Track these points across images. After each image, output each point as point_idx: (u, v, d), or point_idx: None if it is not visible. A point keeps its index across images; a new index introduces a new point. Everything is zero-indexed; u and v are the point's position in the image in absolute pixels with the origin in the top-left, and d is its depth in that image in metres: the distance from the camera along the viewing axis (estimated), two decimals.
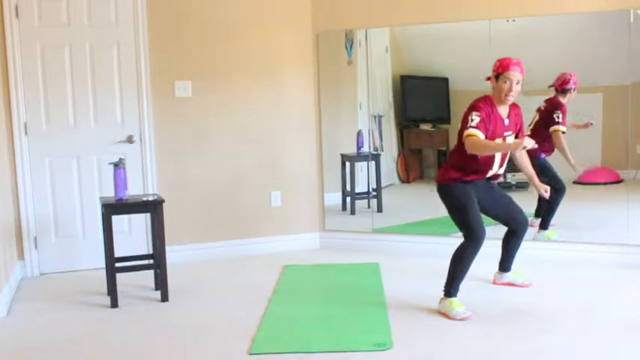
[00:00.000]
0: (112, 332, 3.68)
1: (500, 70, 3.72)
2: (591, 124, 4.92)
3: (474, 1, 4.94)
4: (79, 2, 4.85)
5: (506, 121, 3.79)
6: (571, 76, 4.82)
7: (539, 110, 4.93)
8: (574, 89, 4.84)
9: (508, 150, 3.74)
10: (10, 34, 4.72)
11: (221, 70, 5.22)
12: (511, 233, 4.12)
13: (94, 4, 4.87)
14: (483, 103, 3.72)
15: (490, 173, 3.85)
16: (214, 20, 5.17)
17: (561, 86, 4.84)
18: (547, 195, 4.03)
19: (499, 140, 3.74)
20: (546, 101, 4.90)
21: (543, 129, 4.83)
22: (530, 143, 3.47)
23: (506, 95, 3.71)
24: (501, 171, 3.91)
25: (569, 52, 5.01)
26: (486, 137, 3.65)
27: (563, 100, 4.84)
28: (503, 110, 3.78)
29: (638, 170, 4.84)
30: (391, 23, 5.28)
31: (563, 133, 4.80)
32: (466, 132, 3.63)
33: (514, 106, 3.86)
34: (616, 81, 4.82)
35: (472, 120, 3.63)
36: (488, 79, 3.83)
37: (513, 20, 4.90)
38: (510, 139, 3.81)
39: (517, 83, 3.70)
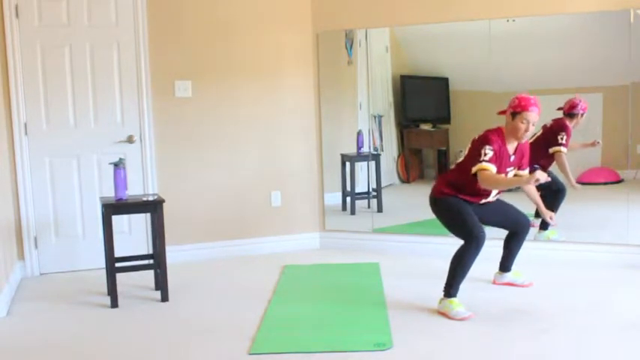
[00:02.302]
0: (112, 332, 3.68)
1: (519, 109, 3.69)
2: (598, 142, 4.95)
3: (474, 1, 4.94)
4: (79, 2, 4.85)
5: (512, 157, 3.81)
6: (580, 101, 4.86)
7: (543, 127, 4.94)
8: (582, 114, 4.87)
9: (519, 185, 3.74)
10: (10, 34, 4.72)
11: (221, 70, 5.22)
12: (513, 235, 4.13)
13: (94, 4, 4.87)
14: (496, 137, 3.72)
15: (484, 200, 3.89)
16: (214, 20, 5.17)
17: (569, 110, 4.88)
18: (553, 222, 4.04)
19: (510, 176, 3.77)
20: (553, 120, 4.92)
21: (544, 146, 4.86)
22: (543, 177, 3.45)
23: (522, 135, 3.72)
24: (495, 198, 3.95)
25: (569, 52, 5.01)
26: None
27: (569, 123, 4.87)
28: (511, 146, 3.80)
29: (638, 170, 4.84)
30: (391, 23, 5.28)
31: (564, 154, 4.85)
32: (479, 165, 3.65)
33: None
34: (616, 81, 4.82)
35: (485, 154, 3.64)
36: (502, 112, 3.83)
37: (513, 20, 4.90)
38: (511, 174, 3.85)
39: (533, 124, 3.70)
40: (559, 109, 4.92)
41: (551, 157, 4.86)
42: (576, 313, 3.73)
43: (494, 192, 3.87)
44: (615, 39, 4.74)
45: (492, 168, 3.65)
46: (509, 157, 3.80)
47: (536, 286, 4.23)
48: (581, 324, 3.55)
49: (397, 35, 5.46)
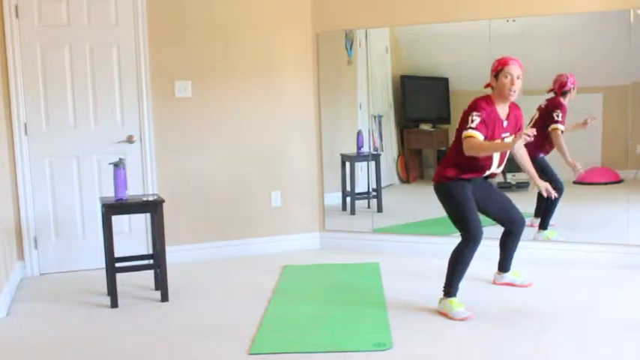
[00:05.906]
0: (112, 332, 3.68)
1: (500, 66, 3.70)
2: (593, 118, 4.93)
3: (474, 1, 4.94)
4: (79, 2, 4.85)
5: (505, 123, 3.77)
6: (568, 77, 4.84)
7: (539, 109, 4.94)
8: (573, 89, 4.86)
9: (506, 149, 3.70)
10: (10, 34, 4.72)
11: (221, 70, 5.22)
12: (508, 233, 4.10)
13: (94, 4, 4.87)
14: (485, 104, 3.70)
15: (488, 172, 3.84)
16: (214, 20, 5.17)
17: (560, 89, 4.87)
18: (547, 194, 3.98)
19: (497, 141, 3.73)
20: (547, 100, 4.91)
21: (542, 128, 4.81)
22: (530, 133, 3.41)
23: (509, 90, 3.67)
24: (499, 170, 3.90)
25: (569, 52, 5.01)
26: (485, 138, 3.64)
27: (563, 101, 4.86)
28: (502, 111, 3.76)
29: (638, 170, 4.84)
30: (391, 23, 5.28)
31: (562, 132, 4.81)
32: (465, 133, 3.62)
33: (515, 108, 3.84)
34: (616, 81, 4.82)
35: (472, 120, 3.61)
36: (488, 85, 3.81)
37: (513, 20, 4.90)
38: (508, 141, 3.79)
39: (518, 78, 3.67)
40: (549, 90, 4.90)
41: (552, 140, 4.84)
42: (576, 313, 3.73)
43: (495, 162, 3.79)
44: (615, 39, 4.74)
45: (479, 135, 3.59)
46: (502, 122, 3.74)
47: (536, 286, 4.23)
48: (581, 324, 3.55)
49: (397, 35, 5.46)
